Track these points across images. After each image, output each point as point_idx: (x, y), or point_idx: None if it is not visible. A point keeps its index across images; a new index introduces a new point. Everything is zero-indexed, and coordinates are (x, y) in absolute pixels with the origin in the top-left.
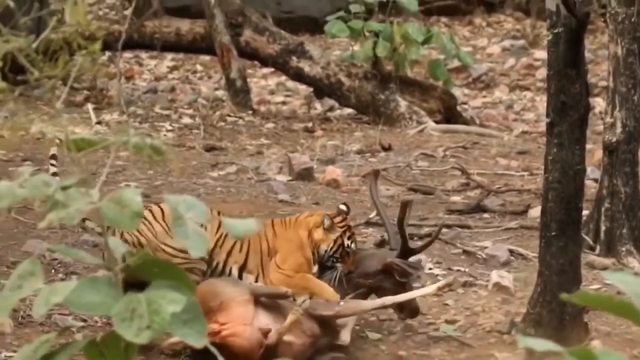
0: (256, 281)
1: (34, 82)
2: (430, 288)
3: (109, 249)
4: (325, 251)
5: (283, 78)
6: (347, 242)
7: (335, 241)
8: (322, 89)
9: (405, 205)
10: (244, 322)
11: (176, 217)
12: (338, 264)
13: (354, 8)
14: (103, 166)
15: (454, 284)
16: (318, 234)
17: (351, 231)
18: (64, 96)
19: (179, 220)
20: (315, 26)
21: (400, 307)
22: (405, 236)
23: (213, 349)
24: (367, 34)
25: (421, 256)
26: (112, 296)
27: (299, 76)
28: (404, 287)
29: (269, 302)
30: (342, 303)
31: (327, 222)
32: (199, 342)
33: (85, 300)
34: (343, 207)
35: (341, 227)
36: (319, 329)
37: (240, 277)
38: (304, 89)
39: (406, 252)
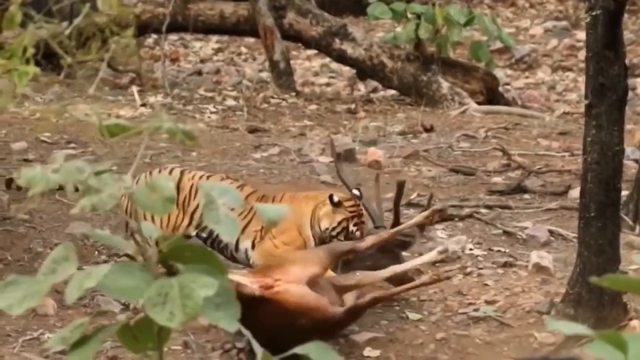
0: (252, 246)
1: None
2: (432, 254)
3: (142, 233)
4: (327, 229)
5: (327, 60)
6: (352, 227)
7: (339, 223)
8: (364, 70)
9: (401, 186)
10: (296, 281)
11: (208, 201)
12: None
13: None
14: (147, 148)
15: (448, 250)
16: (322, 210)
17: (360, 219)
18: (97, 80)
19: (211, 205)
20: (358, 8)
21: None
22: (399, 215)
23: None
24: (409, 15)
25: (462, 237)
26: (145, 280)
27: (341, 58)
28: (400, 261)
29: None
30: (358, 273)
31: (335, 199)
32: (231, 325)
33: (119, 285)
34: (356, 192)
35: (350, 212)
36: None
37: (236, 243)
38: (347, 70)
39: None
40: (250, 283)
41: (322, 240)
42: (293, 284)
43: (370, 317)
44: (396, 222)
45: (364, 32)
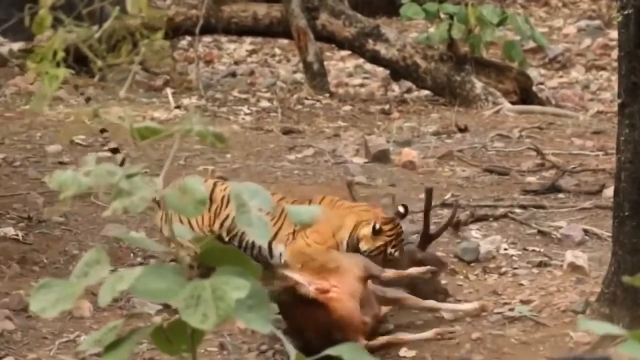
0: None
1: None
2: (473, 305)
3: (174, 236)
4: (365, 251)
5: (361, 60)
6: (390, 250)
7: (377, 247)
8: (398, 71)
9: (429, 193)
10: (351, 294)
11: (240, 204)
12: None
13: None
14: (181, 150)
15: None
16: (363, 231)
17: (398, 239)
18: (128, 83)
19: (243, 207)
20: (392, 9)
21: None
22: (429, 223)
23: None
24: (442, 16)
25: (496, 237)
26: (177, 283)
27: (375, 59)
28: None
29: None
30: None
31: (376, 228)
32: (264, 327)
33: (151, 287)
34: (401, 209)
35: (389, 237)
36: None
37: (269, 248)
38: (381, 71)
39: (427, 238)
40: (307, 283)
41: (355, 251)
42: (347, 295)
43: (406, 317)
44: (426, 229)
45: (397, 33)
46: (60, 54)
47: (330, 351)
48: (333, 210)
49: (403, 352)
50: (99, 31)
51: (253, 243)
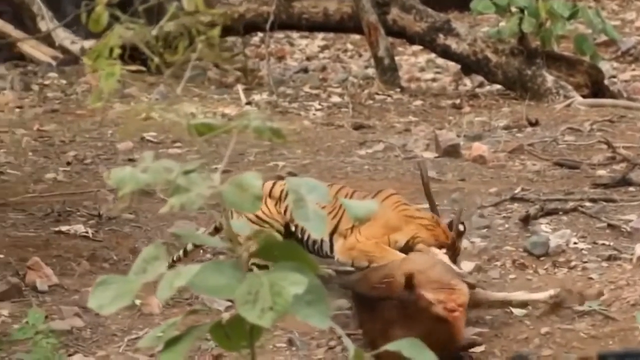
0: None
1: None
2: (545, 295)
3: (232, 231)
4: None
5: (433, 55)
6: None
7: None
8: (469, 65)
9: (460, 212)
10: (464, 311)
11: (297, 198)
12: None
13: None
14: (252, 146)
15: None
16: (421, 243)
17: (453, 260)
18: (184, 81)
19: (300, 202)
20: (464, 3)
21: None
22: (433, 200)
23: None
24: (513, 10)
25: (566, 230)
26: (236, 278)
27: (446, 53)
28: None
29: None
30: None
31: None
32: (322, 323)
33: (209, 283)
34: (461, 228)
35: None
36: None
37: (330, 241)
38: (453, 65)
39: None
40: (437, 302)
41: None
42: (464, 312)
43: (475, 312)
44: (432, 206)
45: (467, 27)
46: (117, 51)
47: (390, 346)
48: (395, 211)
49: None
50: (156, 28)
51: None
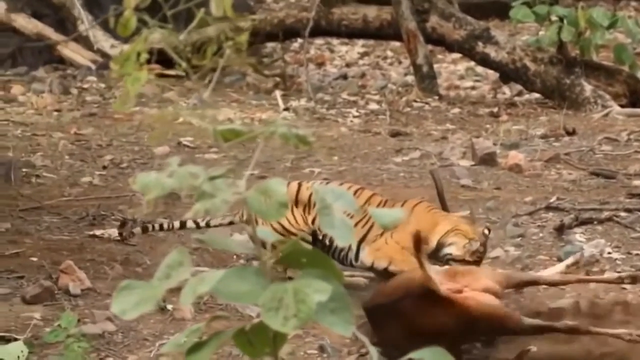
0: None
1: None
2: (562, 265)
3: (257, 238)
4: (448, 254)
5: (472, 63)
6: (468, 258)
7: (463, 260)
8: (507, 74)
9: (435, 175)
10: (486, 289)
11: (323, 206)
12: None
13: None
14: (288, 152)
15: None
16: (455, 238)
17: (478, 264)
18: (212, 85)
19: (326, 210)
20: (505, 11)
21: None
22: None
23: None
24: (552, 18)
25: (600, 240)
26: (260, 285)
27: (484, 61)
28: None
29: None
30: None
31: (469, 247)
32: (346, 330)
33: (233, 290)
34: (486, 232)
35: (476, 258)
36: None
37: (358, 248)
38: (492, 73)
39: None
40: (440, 284)
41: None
42: (480, 291)
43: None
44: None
45: (507, 35)
46: (144, 56)
47: (414, 355)
48: (427, 215)
49: None
50: (184, 33)
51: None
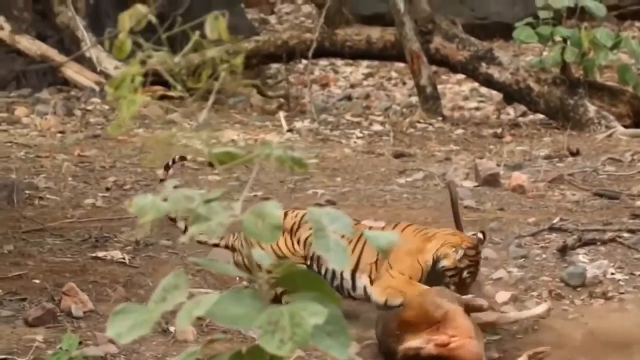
0: (371, 283)
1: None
2: (541, 308)
3: (253, 260)
4: (443, 267)
5: (477, 84)
6: (465, 275)
7: (457, 268)
8: (511, 94)
9: (452, 187)
10: (470, 336)
11: (318, 229)
12: (452, 288)
13: (543, 14)
14: (292, 174)
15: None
16: (448, 251)
17: (476, 268)
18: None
19: (321, 232)
20: (509, 32)
21: None
22: (459, 219)
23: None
24: (556, 39)
25: (604, 261)
26: (256, 309)
27: (488, 82)
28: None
29: None
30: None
31: (459, 254)
32: (342, 354)
33: (229, 313)
34: (480, 236)
35: (470, 262)
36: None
37: (353, 279)
38: (497, 94)
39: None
40: (425, 343)
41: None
42: (467, 338)
43: (509, 343)
44: (458, 225)
45: (510, 56)
46: (139, 79)
47: None
48: (417, 237)
49: None
50: (179, 56)
51: (334, 272)
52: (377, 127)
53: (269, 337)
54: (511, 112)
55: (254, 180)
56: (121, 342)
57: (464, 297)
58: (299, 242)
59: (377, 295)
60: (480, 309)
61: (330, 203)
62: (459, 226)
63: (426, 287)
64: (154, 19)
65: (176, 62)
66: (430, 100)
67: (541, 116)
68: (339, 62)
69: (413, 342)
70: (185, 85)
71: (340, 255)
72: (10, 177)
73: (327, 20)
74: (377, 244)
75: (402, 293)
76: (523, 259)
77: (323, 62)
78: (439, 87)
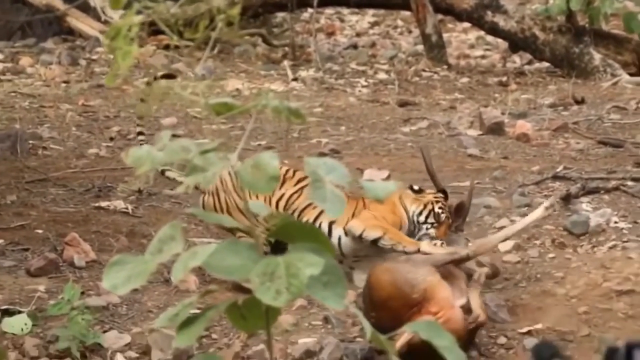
0: (345, 234)
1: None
2: (539, 211)
3: (249, 211)
4: (414, 212)
5: (483, 32)
6: (437, 209)
7: (425, 205)
8: (516, 43)
9: (470, 191)
10: (451, 306)
11: (315, 179)
12: (431, 230)
13: None
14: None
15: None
16: (407, 196)
17: (444, 204)
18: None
19: (318, 183)
20: None
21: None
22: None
23: (356, 311)
24: None
25: (607, 209)
26: (252, 259)
27: (493, 31)
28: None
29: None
30: (470, 244)
31: (415, 187)
32: (338, 304)
33: (225, 264)
34: (415, 187)
35: (434, 197)
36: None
37: (329, 230)
38: (503, 42)
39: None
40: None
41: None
42: (449, 310)
43: (512, 291)
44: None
45: (516, 4)
46: (135, 30)
47: (407, 327)
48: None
49: None
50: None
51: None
52: (382, 76)
53: (265, 288)
54: (517, 60)
55: (258, 130)
56: (117, 293)
57: (439, 256)
58: (280, 198)
59: (355, 226)
60: (466, 259)
61: (334, 152)
62: (437, 186)
63: (403, 235)
64: None
65: (172, 12)
66: (435, 49)
67: (546, 64)
68: (345, 11)
69: (402, 339)
70: (181, 36)
71: (336, 204)
72: (13, 127)
73: None
74: (374, 193)
75: (385, 230)
76: (526, 207)
77: (329, 11)
78: (445, 35)
